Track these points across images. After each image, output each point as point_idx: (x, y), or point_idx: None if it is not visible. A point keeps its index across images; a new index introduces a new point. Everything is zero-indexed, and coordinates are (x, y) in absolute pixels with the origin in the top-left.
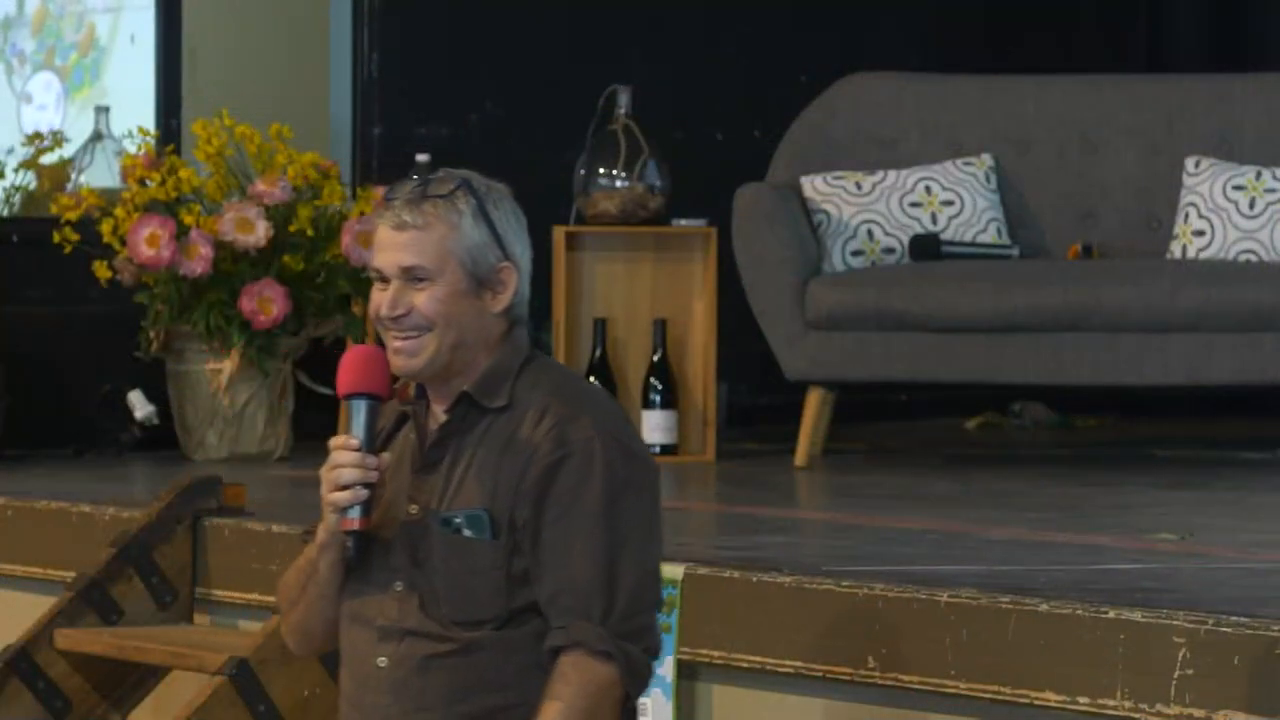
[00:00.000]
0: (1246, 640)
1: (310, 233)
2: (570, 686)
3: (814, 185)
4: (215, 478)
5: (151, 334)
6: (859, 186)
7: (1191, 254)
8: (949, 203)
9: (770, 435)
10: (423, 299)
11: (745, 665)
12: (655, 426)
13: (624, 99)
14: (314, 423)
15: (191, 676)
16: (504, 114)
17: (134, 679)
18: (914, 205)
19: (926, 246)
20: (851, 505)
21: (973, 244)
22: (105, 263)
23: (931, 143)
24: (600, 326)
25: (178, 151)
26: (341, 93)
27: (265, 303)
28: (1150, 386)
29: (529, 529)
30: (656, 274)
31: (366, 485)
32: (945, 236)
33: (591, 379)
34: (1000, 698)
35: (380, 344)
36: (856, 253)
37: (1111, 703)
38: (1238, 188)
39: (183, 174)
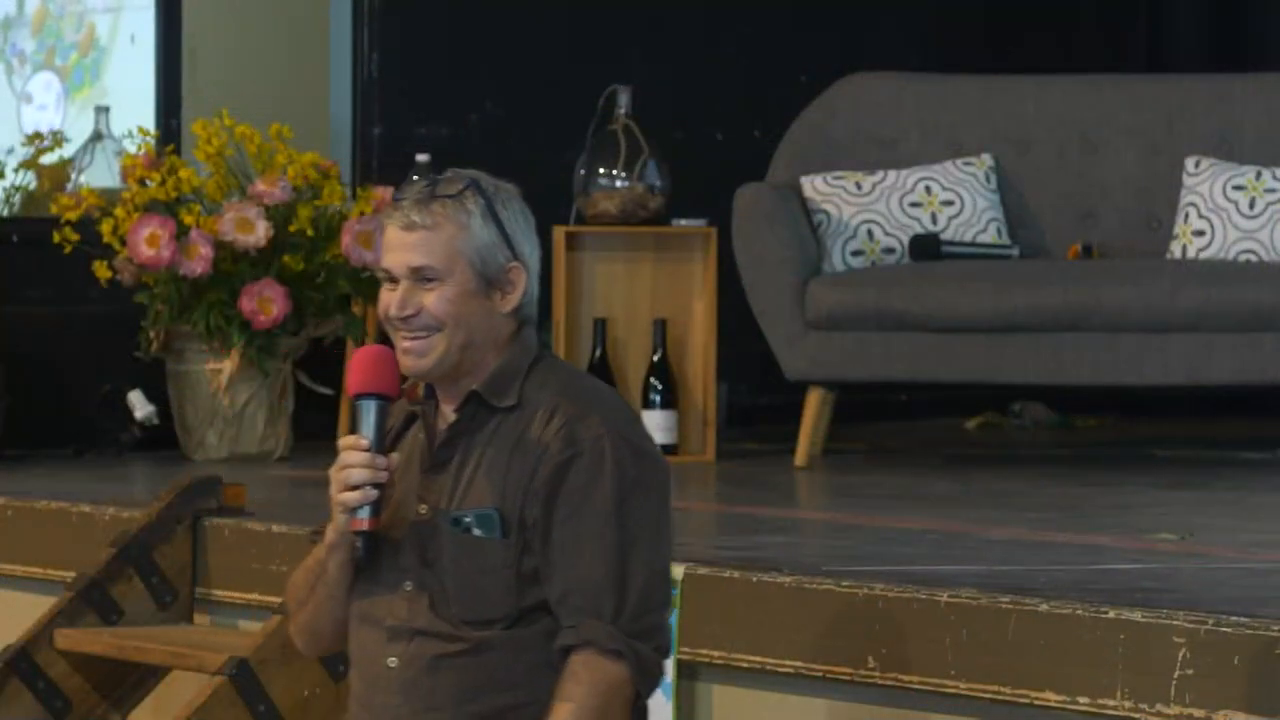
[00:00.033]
0: (1246, 640)
1: (310, 233)
2: (581, 686)
3: (814, 185)
4: (215, 478)
5: (151, 334)
6: (859, 186)
7: (1191, 254)
8: (949, 203)
9: (770, 435)
10: (432, 299)
11: (745, 665)
12: (655, 426)
13: (624, 99)
14: (314, 423)
15: (191, 676)
16: (504, 114)
17: (134, 679)
18: (914, 205)
19: (926, 246)
20: (851, 505)
21: (973, 244)
22: (105, 263)
23: (931, 143)
24: (600, 326)
25: (178, 151)
26: (341, 93)
27: (265, 303)
28: (1150, 386)
29: (539, 528)
30: (656, 274)
31: (376, 485)
32: (945, 236)
33: None
34: (1000, 698)
35: (385, 344)
36: (856, 253)
37: (1111, 703)
38: (1238, 188)
39: (183, 174)
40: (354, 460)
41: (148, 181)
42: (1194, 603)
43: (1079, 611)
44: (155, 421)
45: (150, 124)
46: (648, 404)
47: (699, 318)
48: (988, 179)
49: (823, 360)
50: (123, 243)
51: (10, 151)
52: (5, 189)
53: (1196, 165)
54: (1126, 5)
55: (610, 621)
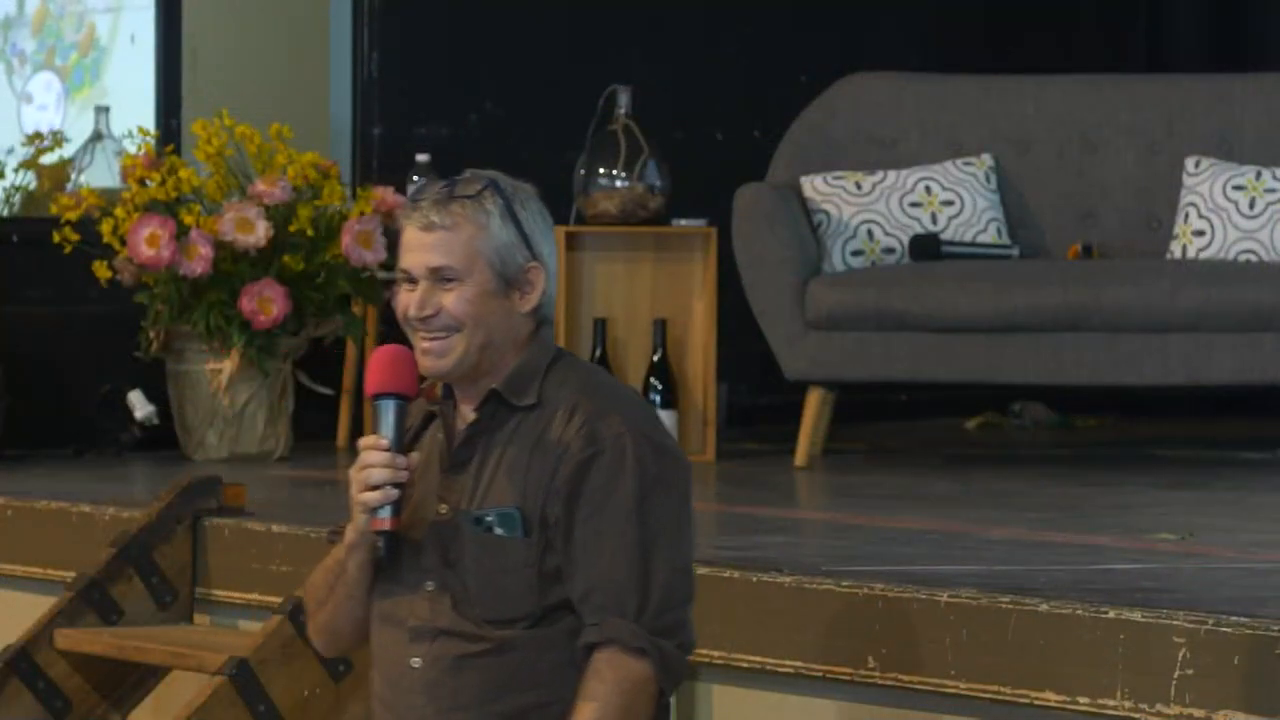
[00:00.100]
0: (1246, 640)
1: (310, 233)
2: (605, 684)
3: (814, 185)
4: (215, 478)
5: (151, 334)
6: (859, 186)
7: (1191, 254)
8: (949, 203)
9: (770, 435)
10: (451, 299)
11: (745, 665)
12: None
13: (624, 99)
14: (314, 423)
15: (191, 676)
16: (504, 114)
17: (134, 679)
18: (914, 205)
19: (926, 246)
20: (851, 505)
21: (973, 244)
22: (105, 263)
23: (931, 143)
24: (600, 326)
25: (178, 151)
26: (341, 93)
27: (265, 303)
28: (1150, 386)
29: (561, 526)
30: (656, 274)
31: (397, 485)
32: (945, 236)
33: None
34: (1000, 698)
35: (387, 344)
36: (856, 253)
37: (1111, 703)
38: (1238, 188)
39: (183, 174)
40: (374, 460)
41: (148, 181)
42: (1194, 603)
43: (1079, 611)
44: (155, 421)
45: (150, 124)
46: None
47: (699, 318)
48: (988, 179)
49: (823, 360)
50: (123, 243)
51: (10, 151)
52: (5, 189)
53: (1196, 165)
54: (1126, 5)
55: (633, 619)
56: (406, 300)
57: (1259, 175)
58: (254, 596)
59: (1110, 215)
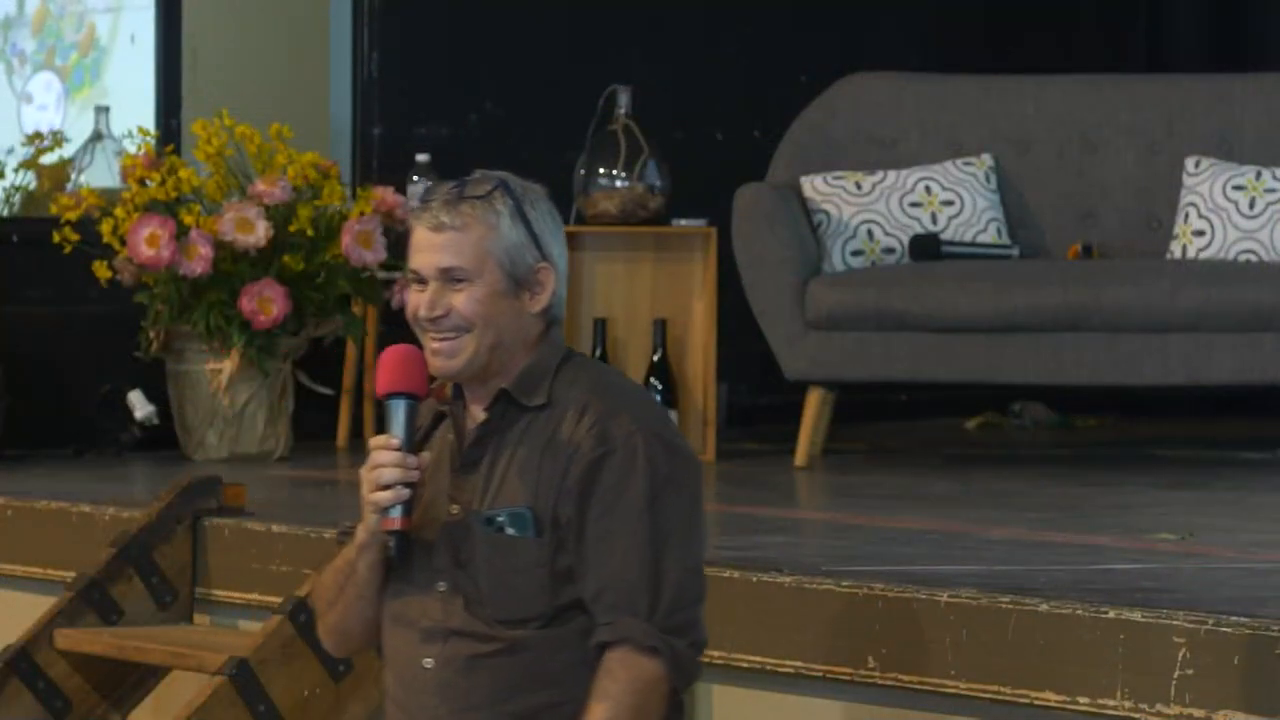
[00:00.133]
0: (1246, 640)
1: (310, 233)
2: (618, 683)
3: (814, 185)
4: (215, 478)
5: (151, 334)
6: (859, 186)
7: (1191, 254)
8: (949, 203)
9: (770, 435)
10: (461, 300)
11: (745, 665)
12: None
13: (624, 99)
14: (314, 423)
15: (191, 676)
16: (504, 114)
17: (134, 679)
18: (914, 205)
19: (926, 246)
20: (851, 505)
21: (973, 244)
22: (105, 263)
23: (931, 143)
24: (600, 326)
25: (178, 151)
26: (341, 93)
27: (265, 303)
28: (1150, 386)
29: (572, 526)
30: (656, 274)
31: (408, 484)
32: (945, 236)
33: None
34: (1000, 698)
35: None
36: (856, 253)
37: (1111, 703)
38: (1238, 188)
39: (183, 174)
40: (385, 460)
41: (148, 181)
42: (1194, 603)
43: (1079, 611)
44: (155, 421)
45: (150, 124)
46: None
47: (699, 318)
48: (988, 179)
49: (823, 360)
50: (123, 243)
51: (10, 151)
52: (5, 189)
53: (1196, 165)
54: (1126, 5)
55: (646, 618)
56: (416, 301)
57: (1259, 175)
58: (254, 596)
59: (1110, 215)
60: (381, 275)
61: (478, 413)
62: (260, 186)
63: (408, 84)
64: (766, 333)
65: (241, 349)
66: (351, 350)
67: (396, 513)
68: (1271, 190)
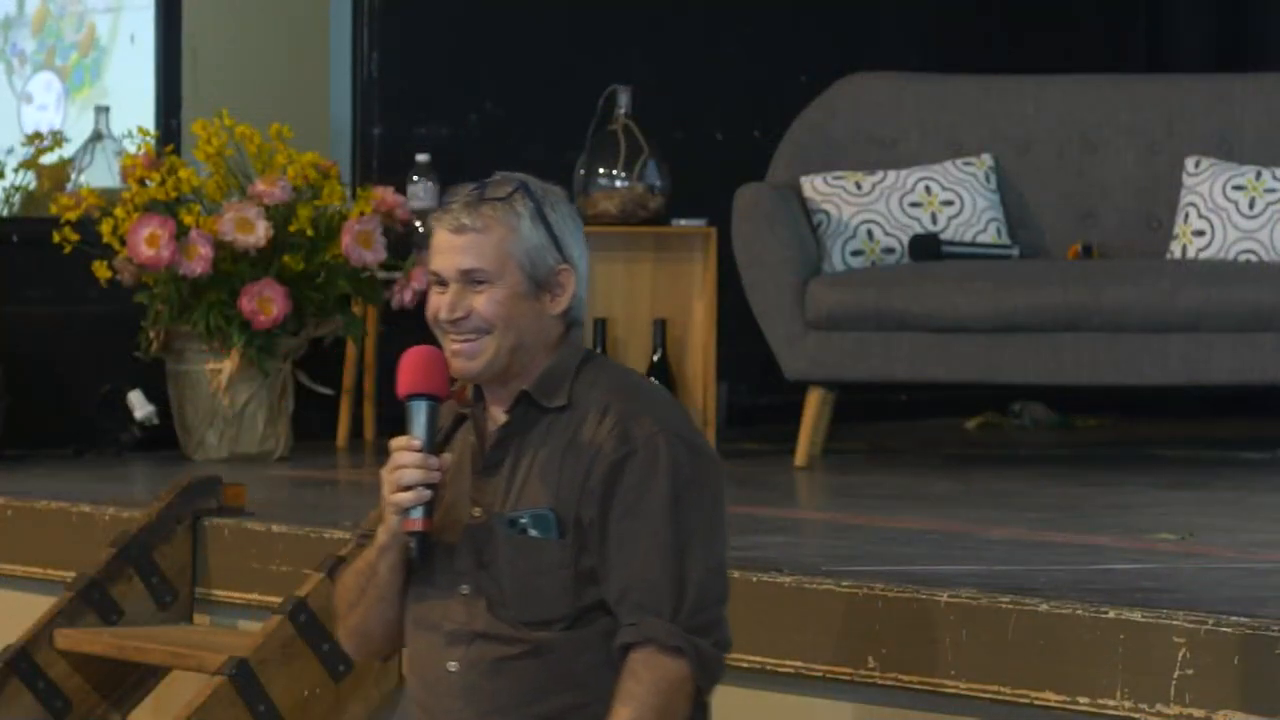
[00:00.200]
0: (1246, 640)
1: (310, 233)
2: (642, 684)
3: (814, 185)
4: (215, 478)
5: (151, 334)
6: (859, 186)
7: (1191, 254)
8: (949, 203)
9: (770, 435)
10: (482, 301)
11: (745, 665)
12: None
13: (624, 99)
14: (314, 423)
15: (191, 676)
16: (504, 114)
17: (134, 679)
18: (914, 205)
19: (926, 246)
20: (851, 505)
21: (973, 244)
22: (105, 263)
23: (931, 143)
24: (600, 326)
25: (178, 151)
26: (341, 93)
27: (265, 303)
28: (1150, 386)
29: (595, 527)
30: (656, 274)
31: (429, 485)
32: (945, 236)
33: None
34: (1000, 698)
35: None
36: (856, 253)
37: (1111, 703)
38: (1238, 188)
39: (183, 174)
40: (407, 461)
41: (148, 181)
42: (1194, 603)
43: (1079, 611)
44: (155, 421)
45: (150, 124)
46: None
47: (699, 318)
48: (988, 179)
49: (823, 360)
50: (123, 243)
51: (10, 151)
52: (5, 189)
53: (1196, 165)
54: (1126, 5)
55: (670, 619)
56: (437, 302)
57: (1259, 175)
58: (254, 596)
59: (1110, 215)
60: (381, 275)
61: (498, 415)
62: (260, 186)
63: (408, 84)
64: (766, 333)
65: (241, 349)
66: (351, 350)
67: (418, 514)
68: (1271, 190)
